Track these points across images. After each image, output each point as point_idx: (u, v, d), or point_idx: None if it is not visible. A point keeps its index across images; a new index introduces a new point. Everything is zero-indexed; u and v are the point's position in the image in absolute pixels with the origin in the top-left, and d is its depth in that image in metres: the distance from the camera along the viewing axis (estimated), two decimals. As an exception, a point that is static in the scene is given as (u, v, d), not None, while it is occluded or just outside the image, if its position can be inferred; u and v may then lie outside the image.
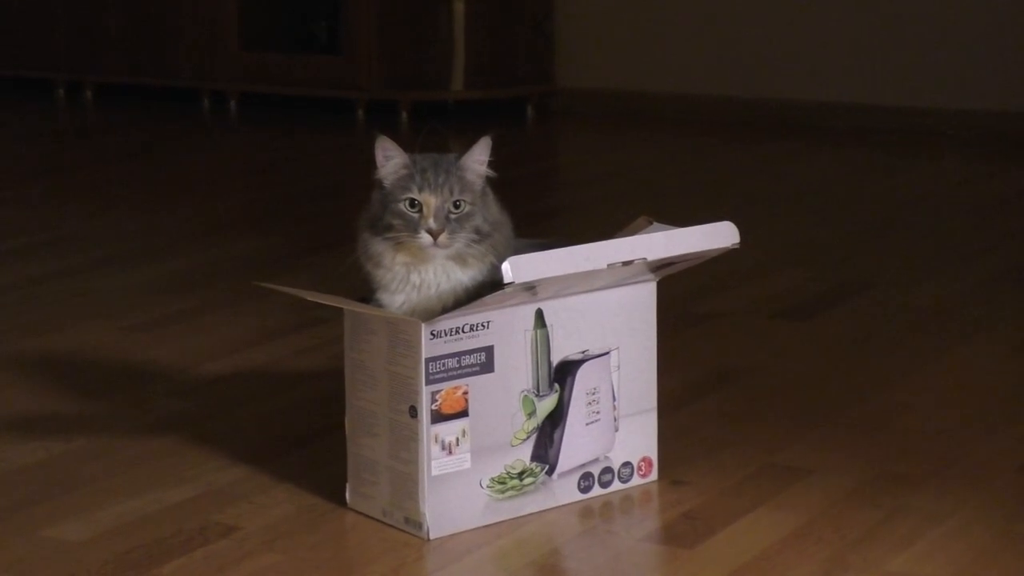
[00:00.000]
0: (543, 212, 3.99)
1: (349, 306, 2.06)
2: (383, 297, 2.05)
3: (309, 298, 2.10)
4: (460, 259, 2.02)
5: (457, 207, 2.02)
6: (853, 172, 4.55)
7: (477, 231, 2.02)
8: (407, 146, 2.06)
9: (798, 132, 5.04)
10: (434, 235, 2.00)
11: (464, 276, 2.03)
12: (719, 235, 2.09)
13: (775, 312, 3.04)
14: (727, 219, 2.10)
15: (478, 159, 2.05)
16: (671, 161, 4.78)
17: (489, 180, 2.07)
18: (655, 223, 2.15)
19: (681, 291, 2.94)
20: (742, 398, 2.56)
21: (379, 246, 2.03)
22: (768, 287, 3.22)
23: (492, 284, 1.99)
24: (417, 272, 2.02)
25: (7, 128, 5.56)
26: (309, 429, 2.41)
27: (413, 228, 2.00)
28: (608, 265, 2.00)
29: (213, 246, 3.69)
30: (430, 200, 2.00)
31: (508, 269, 1.91)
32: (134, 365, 2.77)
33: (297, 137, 5.25)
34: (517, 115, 5.38)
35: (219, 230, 3.87)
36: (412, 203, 2.01)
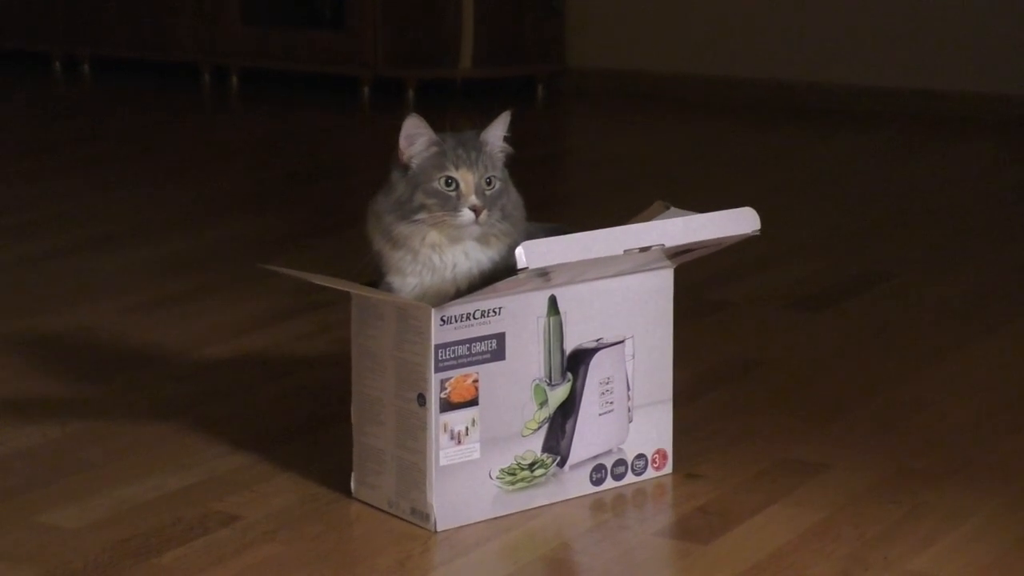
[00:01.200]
0: (552, 195, 3.99)
1: (357, 290, 2.06)
2: (394, 280, 2.05)
3: (316, 281, 2.10)
4: (483, 238, 2.03)
5: (489, 184, 2.02)
6: (874, 157, 4.54)
7: (503, 209, 2.03)
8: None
9: (817, 115, 5.03)
10: (477, 211, 1.99)
11: (484, 256, 2.03)
12: (739, 221, 2.08)
13: (792, 302, 3.04)
14: (741, 204, 2.10)
15: (499, 134, 2.05)
16: (685, 144, 4.78)
17: (506, 157, 2.07)
18: (672, 208, 2.15)
19: (695, 279, 2.94)
20: (758, 390, 2.56)
21: (406, 228, 2.02)
22: (785, 276, 3.21)
23: (507, 268, 1.99)
24: (440, 254, 2.02)
25: (1, 103, 5.56)
26: (313, 416, 2.41)
27: (452, 207, 2.00)
28: (625, 251, 1.99)
29: (213, 226, 3.69)
30: (468, 177, 2.01)
31: (522, 254, 1.91)
32: (132, 348, 2.78)
33: (300, 115, 5.25)
34: (527, 94, 5.37)
35: (219, 210, 3.87)
36: (448, 181, 2.01)
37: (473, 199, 2.00)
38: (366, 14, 5.32)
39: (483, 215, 2.00)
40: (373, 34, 5.33)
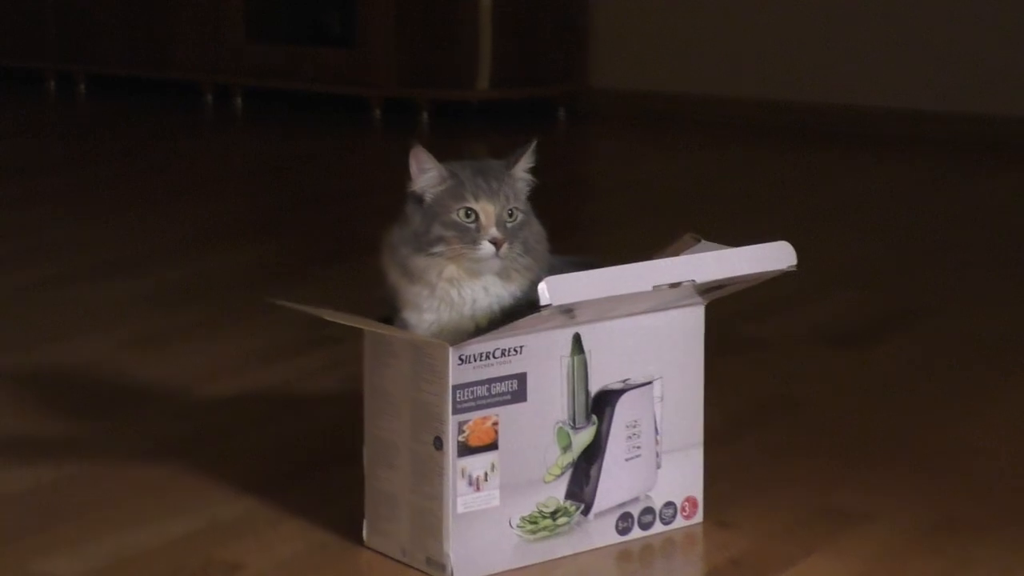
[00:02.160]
0: (574, 221, 3.98)
1: (371, 327, 2.05)
2: (410, 316, 2.04)
3: (327, 318, 2.09)
4: (504, 272, 2.01)
5: (511, 216, 2.01)
6: (911, 184, 4.53)
7: (525, 242, 2.01)
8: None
9: (851, 140, 5.02)
10: (498, 244, 1.98)
11: (504, 291, 2.02)
12: (775, 256, 2.07)
13: (826, 338, 3.03)
14: (772, 234, 2.09)
15: (525, 166, 2.04)
16: (711, 168, 4.77)
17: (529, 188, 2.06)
18: (703, 241, 2.14)
19: (723, 314, 2.90)
20: (793, 432, 2.54)
21: (423, 262, 2.01)
22: (819, 311, 3.20)
23: (530, 304, 1.98)
24: (458, 289, 2.01)
25: (-7, 122, 5.58)
26: (322, 458, 2.40)
27: (472, 239, 1.99)
28: (654, 287, 1.98)
29: (215, 254, 3.69)
30: (489, 208, 2.00)
31: (545, 290, 1.89)
32: (130, 384, 2.77)
33: (307, 137, 5.25)
34: (547, 117, 5.37)
35: (222, 237, 3.87)
36: (467, 212, 2.00)
37: (494, 231, 1.99)
38: (378, 31, 5.33)
39: (504, 248, 1.99)
40: (385, 52, 5.33)
